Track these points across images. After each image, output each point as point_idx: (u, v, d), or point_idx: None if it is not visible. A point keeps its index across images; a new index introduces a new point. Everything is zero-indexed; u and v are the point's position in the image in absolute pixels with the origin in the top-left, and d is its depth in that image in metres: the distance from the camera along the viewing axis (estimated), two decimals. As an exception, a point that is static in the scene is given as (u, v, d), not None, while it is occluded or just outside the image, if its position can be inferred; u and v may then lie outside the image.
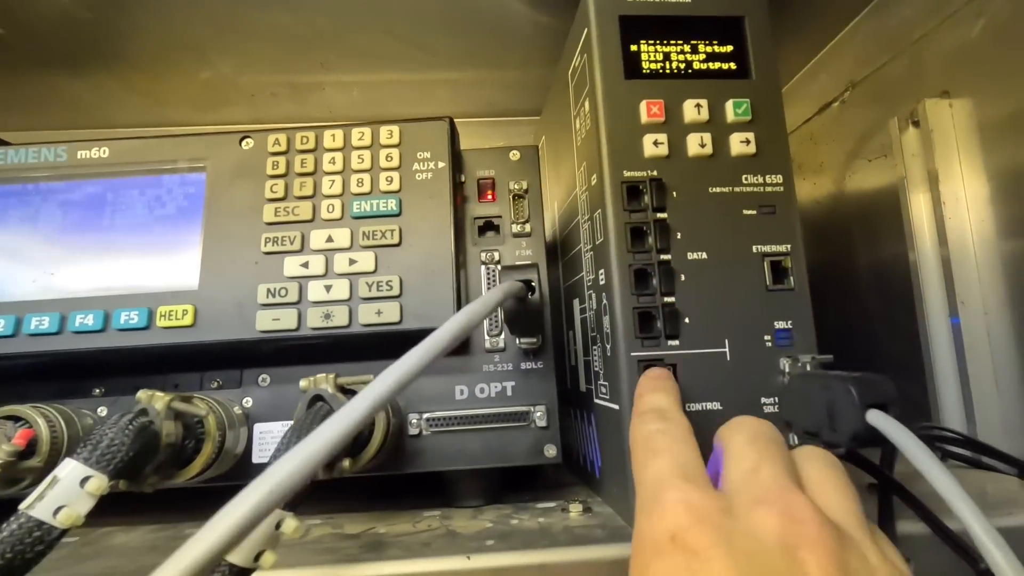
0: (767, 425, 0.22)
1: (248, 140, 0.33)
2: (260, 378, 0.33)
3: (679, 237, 0.31)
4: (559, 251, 0.43)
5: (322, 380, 0.26)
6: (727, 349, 0.30)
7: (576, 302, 0.38)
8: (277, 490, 0.14)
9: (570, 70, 0.38)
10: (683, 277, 0.30)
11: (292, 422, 0.27)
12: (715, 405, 0.29)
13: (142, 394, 0.26)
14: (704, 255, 0.31)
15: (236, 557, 0.20)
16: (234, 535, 0.13)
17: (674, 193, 0.31)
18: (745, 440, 0.21)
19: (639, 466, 0.22)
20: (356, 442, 0.28)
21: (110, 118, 0.62)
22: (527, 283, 0.28)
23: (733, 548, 0.16)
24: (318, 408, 0.26)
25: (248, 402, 0.33)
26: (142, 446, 0.24)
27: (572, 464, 0.42)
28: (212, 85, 0.57)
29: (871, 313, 0.51)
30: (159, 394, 0.26)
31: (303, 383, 0.27)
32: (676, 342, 0.30)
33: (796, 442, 0.28)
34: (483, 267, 0.35)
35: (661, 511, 0.18)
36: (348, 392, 0.27)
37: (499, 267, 0.35)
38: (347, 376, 0.30)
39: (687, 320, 0.30)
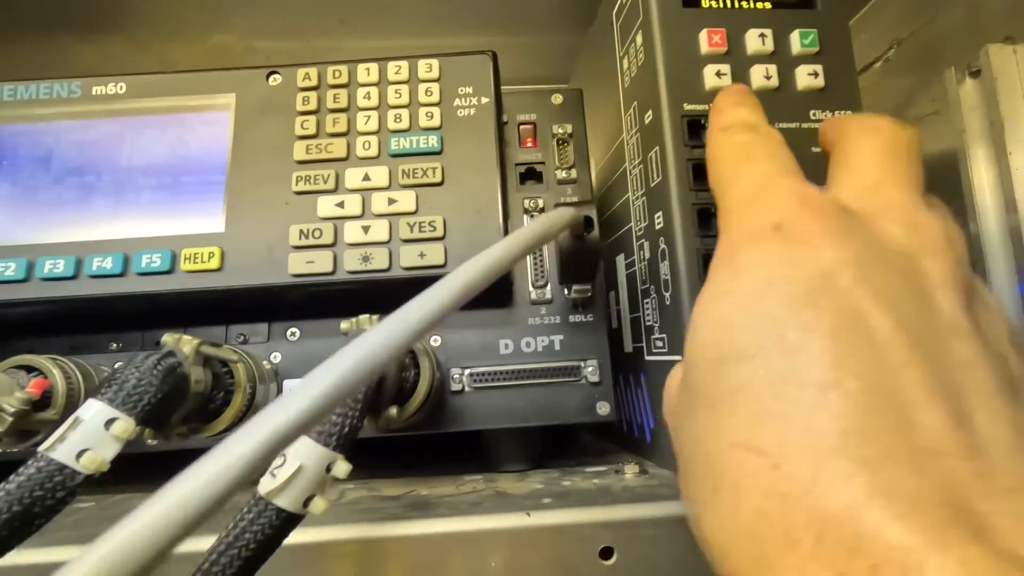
0: (908, 133, 0.17)
1: (276, 76, 0.31)
2: (289, 332, 0.31)
3: (744, 174, 0.28)
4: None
5: (365, 321, 0.24)
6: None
7: (620, 258, 0.36)
8: (343, 384, 0.11)
9: (616, 8, 0.35)
10: (749, 217, 0.28)
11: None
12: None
13: (168, 337, 0.24)
14: (772, 194, 0.28)
15: (284, 500, 0.18)
16: (290, 432, 0.10)
17: (738, 128, 0.29)
18: (875, 150, 0.17)
19: (728, 179, 0.18)
20: (401, 391, 0.25)
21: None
22: (586, 218, 0.26)
23: (848, 242, 0.14)
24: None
25: (276, 357, 0.31)
26: (171, 389, 0.22)
27: (611, 432, 0.40)
28: (224, 48, 0.55)
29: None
30: (187, 337, 0.24)
31: (344, 325, 0.24)
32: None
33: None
34: (526, 216, 0.33)
35: (763, 203, 0.16)
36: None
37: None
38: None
39: (755, 263, 0.27)
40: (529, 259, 0.32)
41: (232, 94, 0.31)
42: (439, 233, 0.28)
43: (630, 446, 0.36)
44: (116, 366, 0.28)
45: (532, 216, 0.33)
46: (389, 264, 0.28)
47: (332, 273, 0.28)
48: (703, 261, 0.27)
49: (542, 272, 0.32)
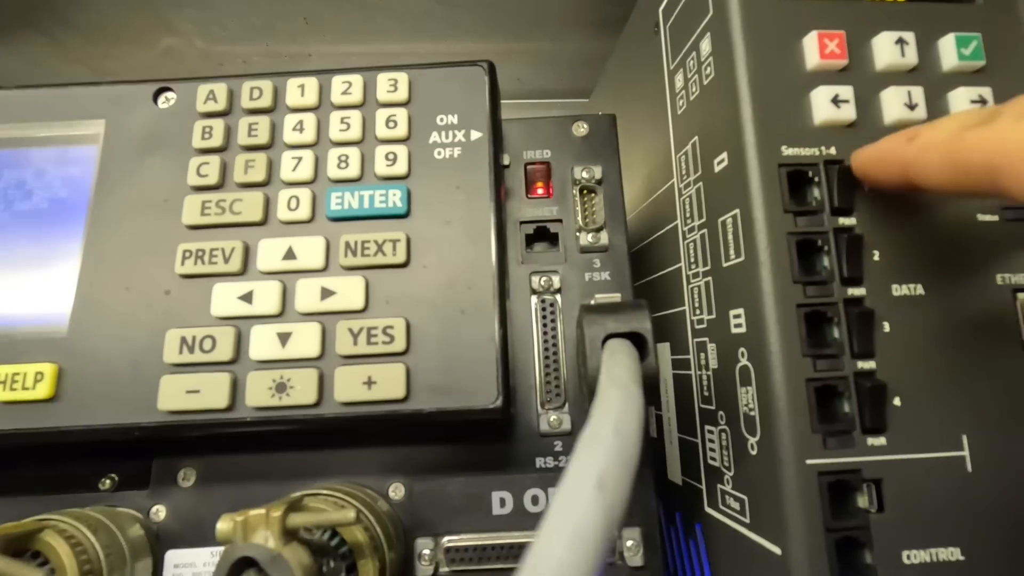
0: None
1: (168, 94, 0.21)
2: (181, 474, 0.21)
3: (877, 258, 0.18)
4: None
5: (257, 522, 0.14)
6: (967, 452, 0.17)
7: (666, 348, 0.26)
8: None
9: (663, 4, 0.25)
10: (887, 327, 0.18)
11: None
12: (953, 553, 0.17)
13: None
14: (920, 289, 0.18)
15: None
16: None
17: (865, 184, 0.18)
18: None
19: None
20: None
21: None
22: (636, 339, 0.16)
23: None
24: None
25: (159, 513, 0.20)
26: None
27: None
28: (176, 53, 0.45)
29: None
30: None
31: (221, 526, 0.14)
32: (881, 440, 0.17)
33: None
34: (534, 298, 0.23)
35: None
36: (309, 547, 0.14)
37: (557, 298, 0.22)
38: (320, 488, 0.18)
39: (897, 401, 0.17)
40: (538, 364, 0.22)
41: (101, 120, 0.21)
42: (398, 345, 0.18)
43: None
44: None
45: (543, 300, 0.23)
46: (318, 397, 0.17)
47: (228, 410, 0.17)
48: (816, 397, 0.17)
49: (557, 385, 0.22)
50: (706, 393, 0.22)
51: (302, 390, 0.17)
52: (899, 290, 0.18)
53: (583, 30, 0.44)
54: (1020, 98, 0.14)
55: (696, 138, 0.22)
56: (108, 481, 0.21)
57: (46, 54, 0.43)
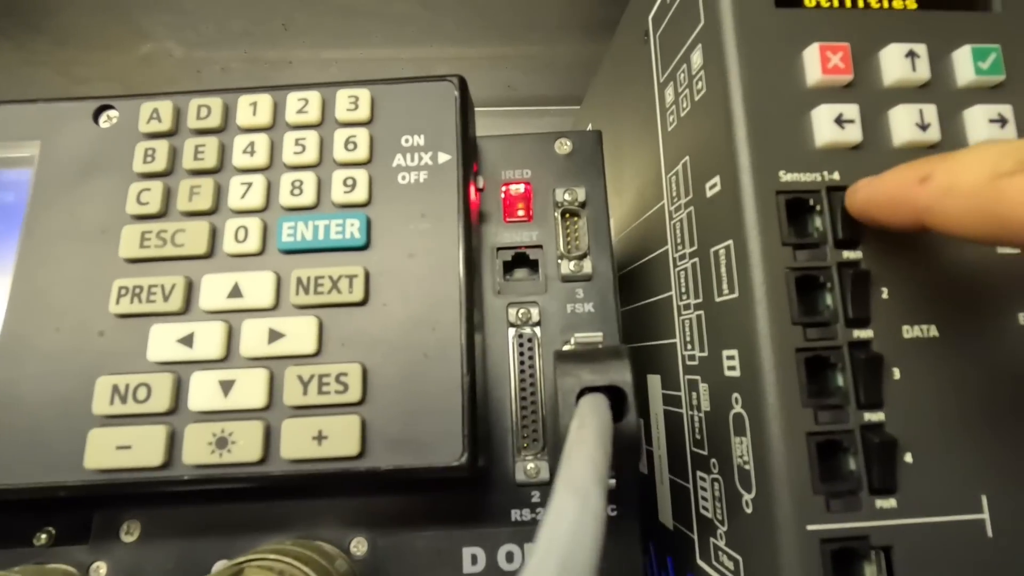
0: None
1: (110, 112, 0.19)
2: (124, 528, 0.19)
3: (886, 296, 0.16)
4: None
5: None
6: (987, 515, 0.15)
7: (657, 380, 0.24)
8: None
9: (655, 9, 0.23)
10: (897, 374, 0.16)
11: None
12: (972, 629, 0.15)
13: None
14: (933, 331, 0.16)
15: None
16: None
17: (874, 214, 0.17)
18: None
19: None
20: None
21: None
22: (613, 394, 0.14)
23: None
24: None
25: (100, 570, 0.19)
26: None
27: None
28: (157, 60, 0.43)
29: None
30: None
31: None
32: (891, 501, 0.15)
33: None
34: (511, 331, 0.21)
35: None
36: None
37: (536, 331, 0.21)
38: (268, 550, 0.16)
39: (909, 458, 0.16)
40: (514, 405, 0.20)
41: (36, 141, 0.19)
42: (353, 395, 0.16)
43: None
44: None
45: (521, 334, 0.21)
46: (263, 453, 0.16)
47: (163, 467, 0.16)
48: (818, 453, 0.15)
49: (535, 429, 0.20)
50: (698, 436, 0.20)
51: (245, 445, 0.16)
52: (910, 332, 0.16)
53: (575, 33, 0.42)
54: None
55: (687, 158, 0.20)
56: (44, 535, 0.19)
57: (14, 60, 0.42)
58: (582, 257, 0.21)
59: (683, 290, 0.21)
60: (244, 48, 0.43)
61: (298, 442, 0.15)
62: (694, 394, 0.20)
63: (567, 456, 0.09)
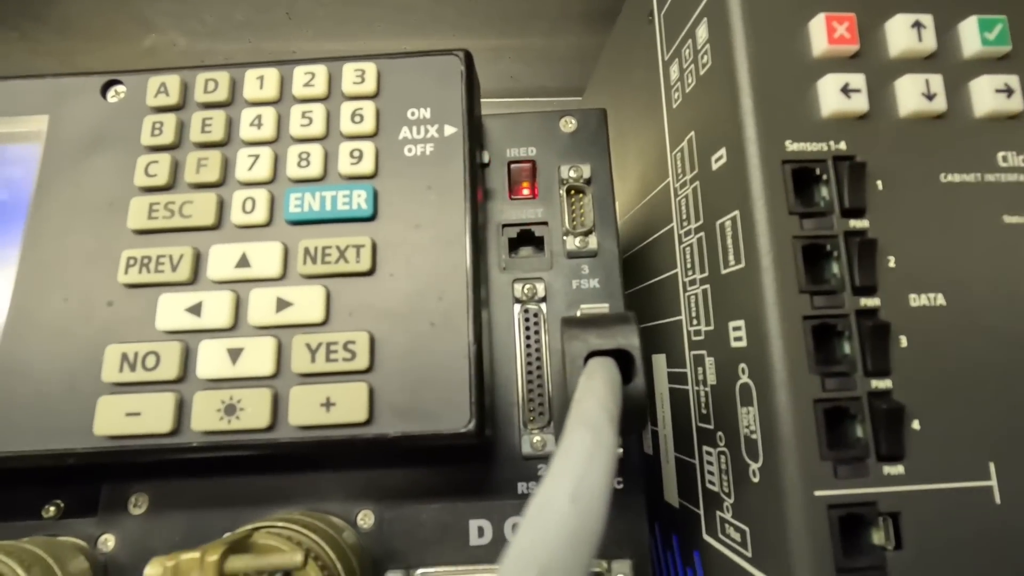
0: None
1: (118, 87, 0.19)
2: (132, 500, 0.19)
3: (893, 265, 0.16)
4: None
5: (190, 568, 0.12)
6: (995, 482, 0.15)
7: (662, 359, 0.24)
8: None
9: (658, -11, 0.23)
10: (904, 341, 0.16)
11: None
12: (980, 594, 0.15)
13: None
14: (941, 299, 0.16)
15: None
16: None
17: (879, 183, 0.17)
18: None
19: None
20: None
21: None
22: (621, 357, 0.14)
23: None
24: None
25: (108, 542, 0.19)
26: None
27: None
28: (159, 51, 0.44)
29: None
30: None
31: (150, 573, 0.12)
32: (898, 468, 0.15)
33: None
34: (516, 306, 0.21)
35: None
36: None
37: (542, 307, 0.21)
38: (276, 519, 0.16)
39: (916, 425, 0.15)
40: (520, 379, 0.20)
41: (44, 116, 0.19)
42: (361, 363, 0.16)
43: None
44: None
45: (527, 309, 0.21)
46: (272, 420, 0.16)
47: (172, 434, 0.16)
48: (825, 420, 0.15)
49: (541, 403, 0.20)
50: (704, 411, 0.20)
51: (253, 412, 0.16)
52: (917, 300, 0.16)
53: (578, 24, 0.43)
54: None
55: (692, 133, 0.21)
56: (52, 508, 0.19)
57: (19, 50, 0.42)
58: (587, 233, 0.21)
59: (688, 266, 0.21)
60: (247, 38, 0.43)
61: (306, 409, 0.16)
62: (700, 369, 0.20)
63: (577, 401, 0.09)
